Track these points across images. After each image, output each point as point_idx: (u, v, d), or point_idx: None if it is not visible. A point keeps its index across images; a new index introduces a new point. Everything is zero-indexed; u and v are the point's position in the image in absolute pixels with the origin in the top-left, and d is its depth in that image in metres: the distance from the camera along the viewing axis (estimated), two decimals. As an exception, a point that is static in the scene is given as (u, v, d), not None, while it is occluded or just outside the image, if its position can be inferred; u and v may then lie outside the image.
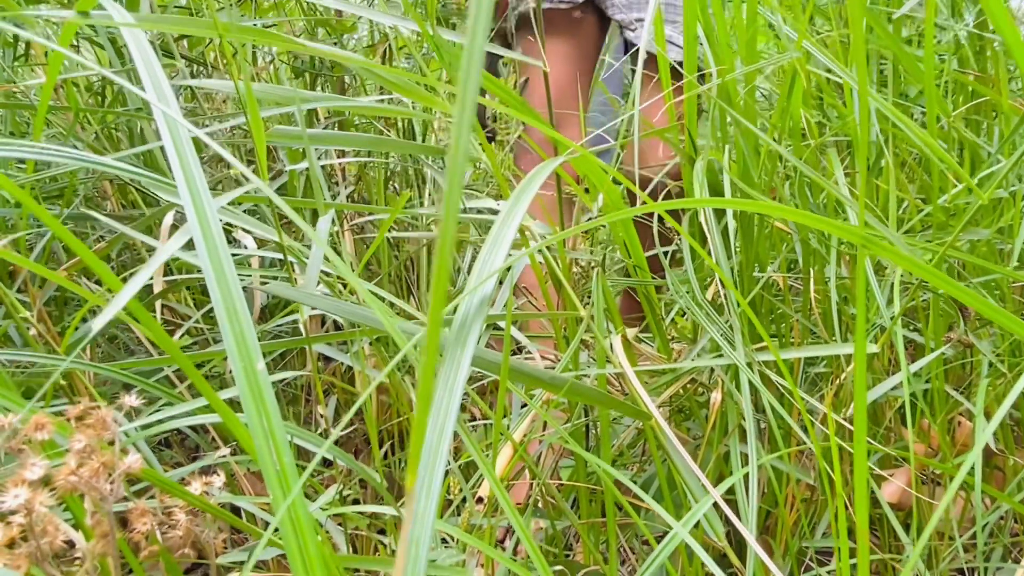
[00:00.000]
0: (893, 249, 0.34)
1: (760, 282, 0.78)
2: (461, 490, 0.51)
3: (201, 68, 1.15)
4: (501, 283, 0.58)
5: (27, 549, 0.25)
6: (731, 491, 0.62)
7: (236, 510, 0.69)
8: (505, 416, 0.62)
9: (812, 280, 0.83)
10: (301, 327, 0.53)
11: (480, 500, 0.51)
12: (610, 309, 0.65)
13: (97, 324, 0.21)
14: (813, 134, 0.81)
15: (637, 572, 0.53)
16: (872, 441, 0.67)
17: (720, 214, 0.75)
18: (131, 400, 0.28)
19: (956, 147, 0.86)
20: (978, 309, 0.37)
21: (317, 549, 0.22)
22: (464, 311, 0.24)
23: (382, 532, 0.68)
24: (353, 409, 0.24)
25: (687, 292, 0.68)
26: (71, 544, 0.30)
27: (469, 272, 0.99)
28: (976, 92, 0.85)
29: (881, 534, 0.81)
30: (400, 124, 1.14)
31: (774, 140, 0.75)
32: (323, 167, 1.02)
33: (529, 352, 0.65)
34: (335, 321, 1.00)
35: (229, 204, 0.48)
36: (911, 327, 0.86)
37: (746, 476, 0.56)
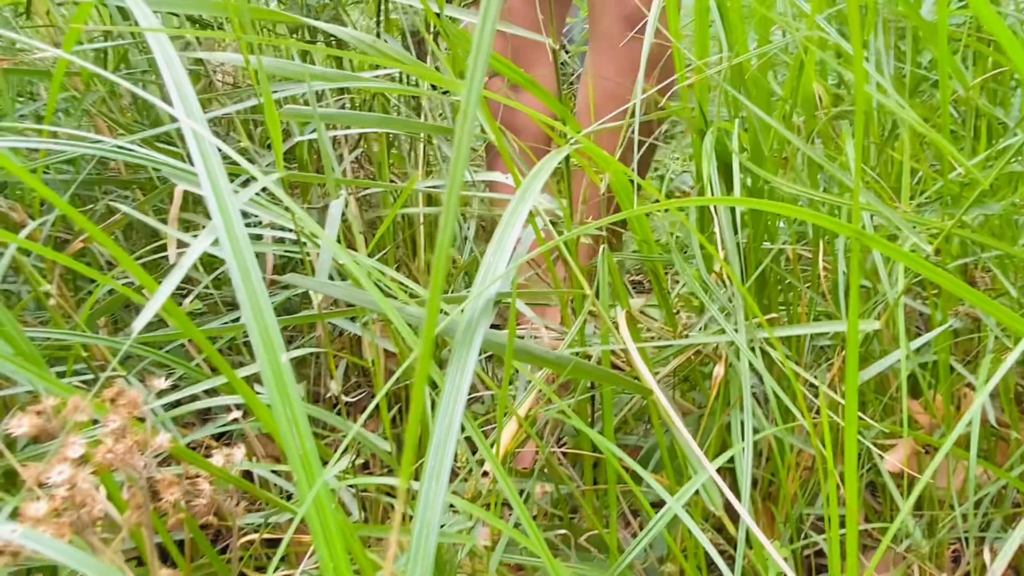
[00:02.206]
0: (889, 245, 0.36)
1: (769, 255, 0.80)
2: (467, 460, 0.55)
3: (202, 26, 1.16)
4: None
5: (69, 519, 0.28)
6: (733, 459, 0.65)
7: (249, 473, 0.73)
8: (511, 383, 0.65)
9: (821, 252, 0.85)
10: (314, 304, 0.56)
11: (486, 474, 0.54)
12: (615, 285, 0.67)
13: (137, 324, 0.23)
14: (827, 105, 0.82)
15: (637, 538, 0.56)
16: (864, 416, 0.70)
17: (728, 186, 0.76)
18: (161, 383, 0.31)
19: (973, 116, 0.87)
20: (973, 302, 0.39)
21: (338, 527, 0.25)
22: (471, 313, 0.26)
23: (391, 494, 0.72)
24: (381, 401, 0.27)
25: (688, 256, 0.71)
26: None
27: (475, 242, 1.01)
28: (996, 62, 0.85)
29: (884, 503, 0.84)
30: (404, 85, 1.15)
31: (786, 111, 0.76)
32: (328, 128, 1.04)
33: (535, 326, 0.67)
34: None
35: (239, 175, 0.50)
36: (922, 299, 0.88)
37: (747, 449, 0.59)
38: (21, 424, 0.28)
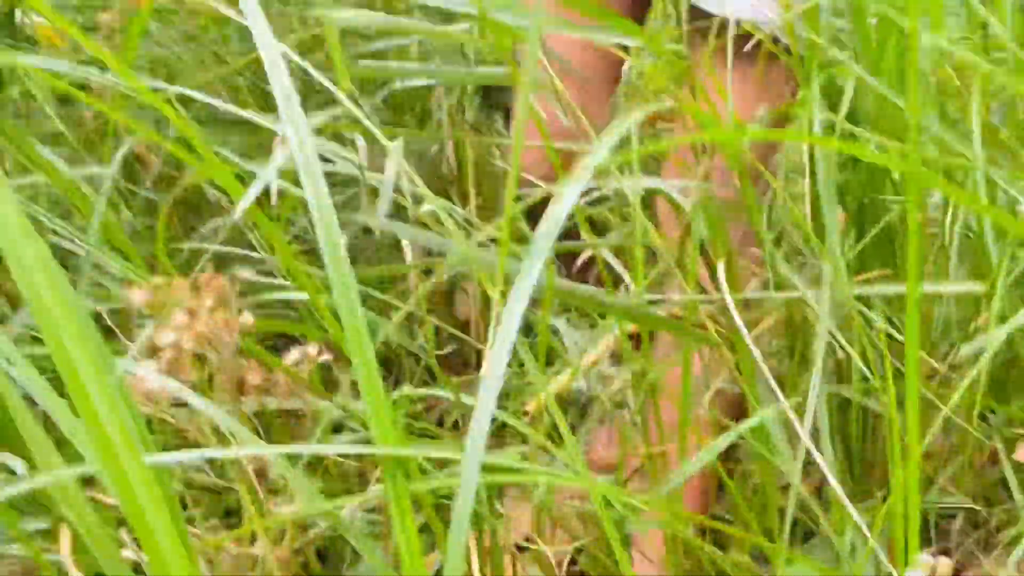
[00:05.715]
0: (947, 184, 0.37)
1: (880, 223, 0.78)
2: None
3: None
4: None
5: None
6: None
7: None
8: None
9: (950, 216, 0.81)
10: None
11: (526, 413, 0.57)
12: (715, 235, 0.64)
13: (236, 214, 0.30)
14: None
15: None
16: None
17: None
18: (245, 274, 0.38)
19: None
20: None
21: (386, 396, 0.31)
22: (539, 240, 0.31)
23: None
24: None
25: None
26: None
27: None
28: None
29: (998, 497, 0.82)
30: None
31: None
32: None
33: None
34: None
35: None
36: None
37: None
38: (137, 296, 0.36)
